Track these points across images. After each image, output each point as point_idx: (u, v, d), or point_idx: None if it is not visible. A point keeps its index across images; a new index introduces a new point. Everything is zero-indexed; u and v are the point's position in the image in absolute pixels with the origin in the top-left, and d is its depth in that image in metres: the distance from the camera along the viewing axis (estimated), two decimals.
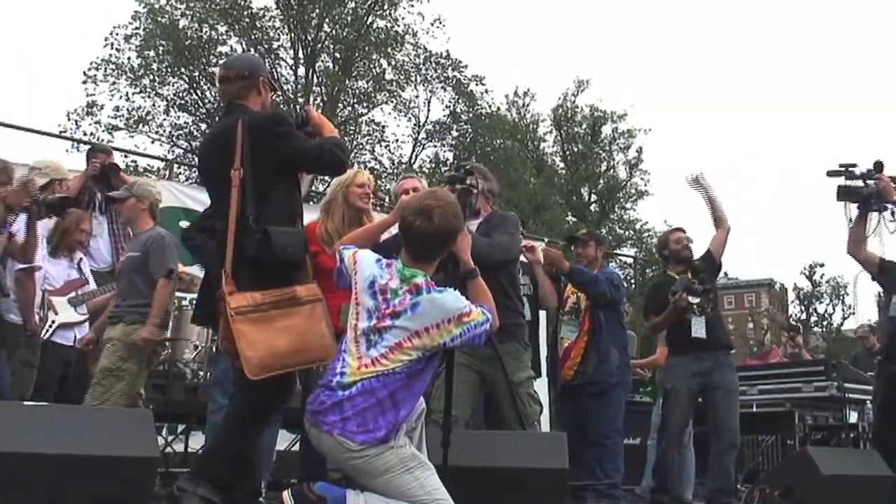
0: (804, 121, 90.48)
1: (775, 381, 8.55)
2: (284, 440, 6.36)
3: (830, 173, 5.54)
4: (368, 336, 3.13)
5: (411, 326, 3.09)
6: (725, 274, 62.41)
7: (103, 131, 24.66)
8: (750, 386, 8.35)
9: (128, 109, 25.27)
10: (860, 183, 5.52)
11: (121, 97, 25.30)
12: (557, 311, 6.34)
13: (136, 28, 25.18)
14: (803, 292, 51.88)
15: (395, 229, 3.71)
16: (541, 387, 5.85)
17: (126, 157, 19.69)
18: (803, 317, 50.58)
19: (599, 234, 6.77)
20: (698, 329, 5.88)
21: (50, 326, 5.60)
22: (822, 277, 51.14)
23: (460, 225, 3.31)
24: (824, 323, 51.05)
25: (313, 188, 9.17)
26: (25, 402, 3.88)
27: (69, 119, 24.71)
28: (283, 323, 3.53)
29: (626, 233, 36.72)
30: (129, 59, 25.31)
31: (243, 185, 3.64)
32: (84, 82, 24.97)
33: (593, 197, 37.42)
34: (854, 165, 5.55)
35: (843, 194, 5.53)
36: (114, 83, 25.25)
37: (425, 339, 3.09)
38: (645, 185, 37.24)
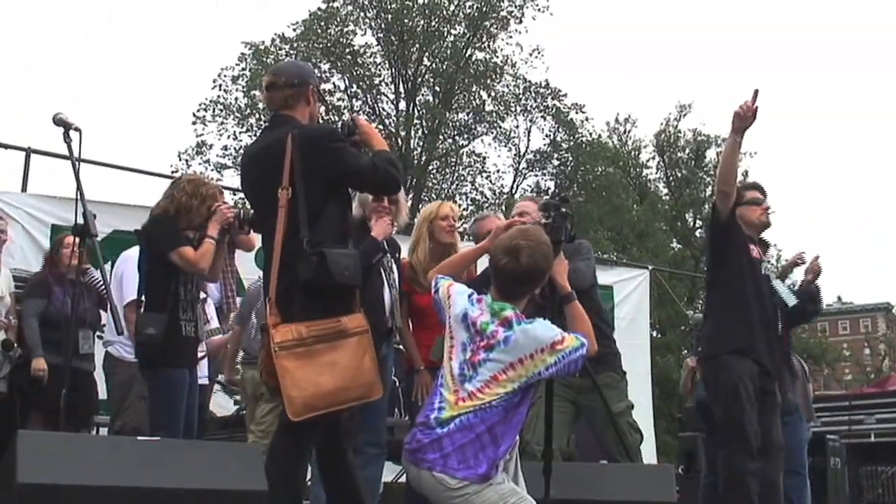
0: None
1: (895, 409, 8.23)
2: (391, 472, 6.39)
3: None
4: (463, 370, 3.13)
5: (506, 359, 3.08)
6: (839, 298, 60.49)
7: (212, 170, 25.61)
8: (868, 415, 8.07)
9: (235, 148, 26.07)
10: None
11: (228, 136, 26.27)
12: None
13: (243, 69, 26.10)
14: None
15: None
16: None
17: (234, 195, 20.20)
18: None
19: None
20: None
21: None
22: None
23: (548, 265, 3.27)
24: None
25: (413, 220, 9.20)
26: (140, 438, 3.99)
27: (180, 159, 25.78)
28: (328, 357, 3.36)
29: None
30: (236, 99, 26.23)
31: (293, 205, 3.44)
32: (193, 123, 26.02)
33: (698, 223, 36.61)
34: None
35: None
36: (222, 123, 26.21)
37: (520, 371, 3.08)
38: None
